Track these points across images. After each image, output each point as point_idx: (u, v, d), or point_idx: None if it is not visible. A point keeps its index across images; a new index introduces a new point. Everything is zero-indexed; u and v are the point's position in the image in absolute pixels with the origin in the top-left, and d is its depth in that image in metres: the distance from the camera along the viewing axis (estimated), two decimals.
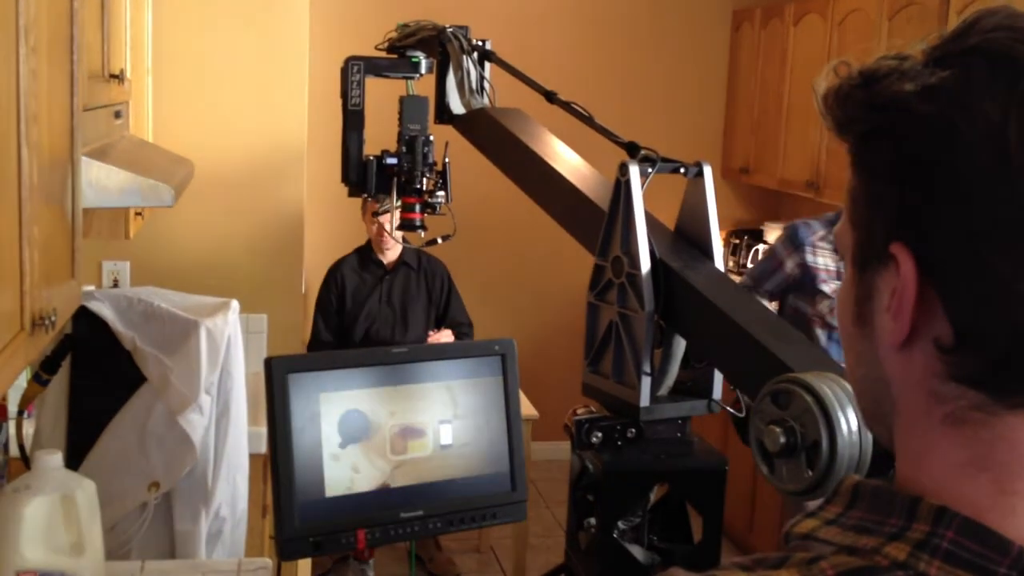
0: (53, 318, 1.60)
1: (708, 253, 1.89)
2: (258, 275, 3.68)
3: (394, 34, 2.65)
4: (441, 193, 2.51)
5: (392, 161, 2.50)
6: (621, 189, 1.82)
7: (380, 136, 2.65)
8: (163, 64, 3.39)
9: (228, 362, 2.27)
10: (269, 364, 1.85)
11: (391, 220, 2.71)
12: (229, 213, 3.66)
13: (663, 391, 1.86)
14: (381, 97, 2.77)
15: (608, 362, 1.87)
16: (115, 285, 3.55)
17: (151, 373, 2.19)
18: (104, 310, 2.20)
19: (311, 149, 3.89)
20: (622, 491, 1.81)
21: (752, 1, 5.30)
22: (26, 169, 1.49)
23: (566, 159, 2.13)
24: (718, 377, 1.86)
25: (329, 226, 4.77)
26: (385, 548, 4.10)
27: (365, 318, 4.02)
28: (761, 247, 5.11)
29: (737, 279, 4.13)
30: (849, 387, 1.33)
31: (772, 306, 3.53)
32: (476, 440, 2.01)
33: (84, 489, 1.82)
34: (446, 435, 1.98)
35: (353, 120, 2.58)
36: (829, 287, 3.24)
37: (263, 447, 2.76)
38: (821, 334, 3.27)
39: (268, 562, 2.19)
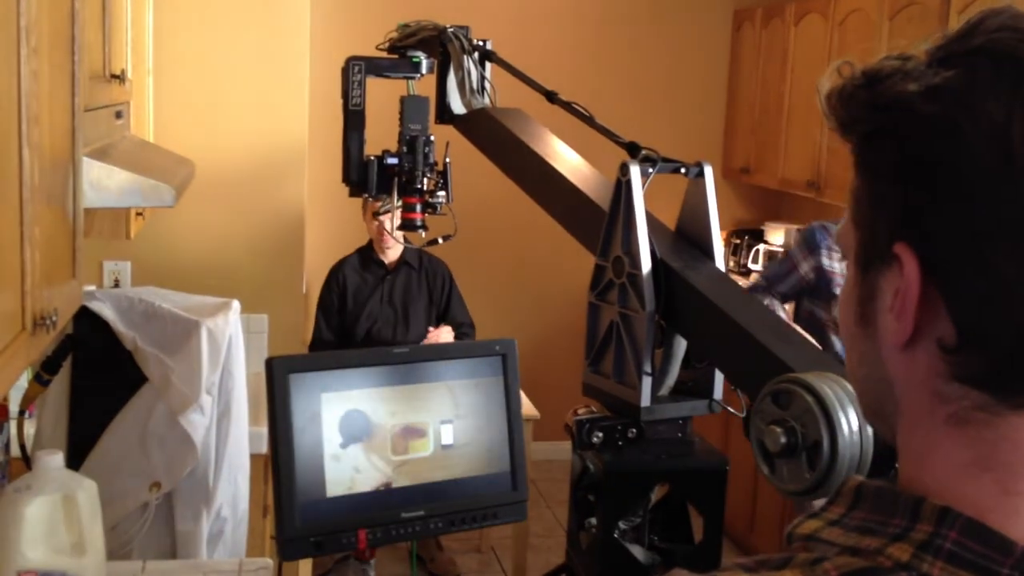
0: (54, 318, 1.60)
1: (709, 253, 1.89)
2: (259, 275, 3.68)
3: (395, 34, 2.65)
4: (442, 193, 2.52)
5: (393, 161, 2.50)
6: (622, 189, 1.82)
7: (381, 136, 2.65)
8: (164, 64, 3.39)
9: (229, 362, 2.27)
10: (270, 364, 1.85)
11: (392, 220, 2.71)
12: (230, 213, 3.66)
13: (664, 391, 1.86)
14: (382, 97, 2.77)
15: (609, 362, 1.87)
16: (116, 285, 3.55)
17: (152, 373, 2.19)
18: (105, 310, 2.20)
19: (312, 149, 3.89)
20: (623, 491, 1.81)
21: (753, 1, 5.30)
22: (27, 169, 1.49)
23: (567, 159, 2.13)
24: (719, 377, 1.86)
25: (330, 226, 4.77)
26: (386, 548, 4.10)
27: (366, 318, 4.02)
28: (762, 247, 5.11)
29: (738, 279, 4.13)
30: (850, 387, 1.33)
31: (787, 308, 3.51)
32: (477, 440, 2.01)
33: (85, 489, 1.82)
34: (447, 435, 1.98)
35: (354, 120, 2.59)
36: None
37: (264, 447, 2.77)
38: (836, 340, 3.25)
39: (269, 562, 2.19)
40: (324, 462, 1.87)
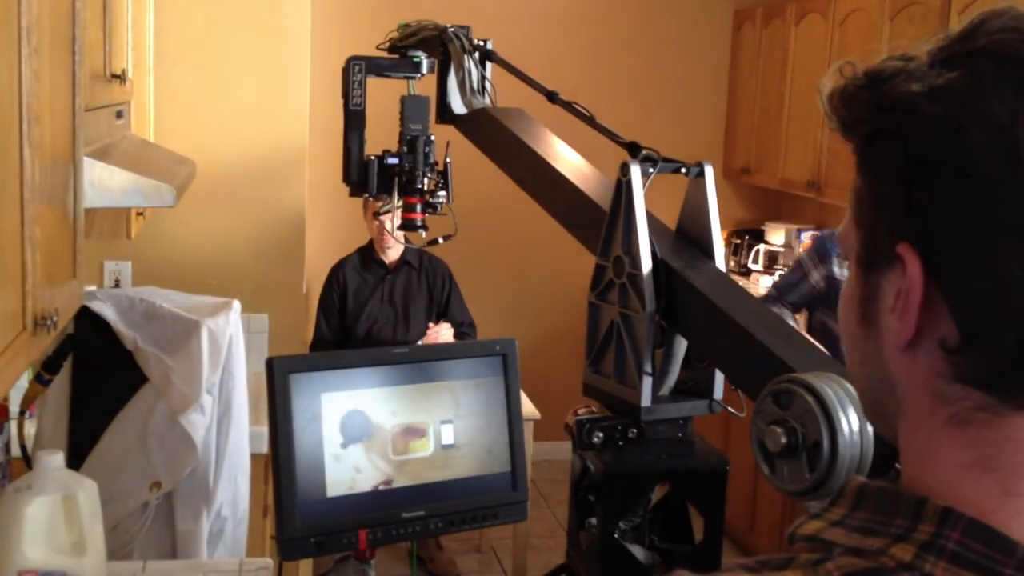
0: (55, 318, 1.60)
1: (709, 253, 1.89)
2: (259, 275, 3.68)
3: (395, 34, 2.65)
4: (442, 193, 2.51)
5: (393, 161, 2.50)
6: (622, 189, 1.82)
7: (381, 136, 2.65)
8: (165, 64, 3.39)
9: (230, 362, 2.27)
10: (271, 364, 1.85)
11: (392, 220, 2.71)
12: (231, 213, 3.66)
13: (664, 391, 1.86)
14: (382, 97, 2.77)
15: (609, 362, 1.87)
16: (117, 285, 3.55)
17: (153, 373, 2.19)
18: (106, 310, 2.20)
19: (313, 149, 3.89)
20: (623, 491, 1.81)
21: (753, 1, 5.30)
22: (28, 169, 1.49)
23: (567, 159, 2.13)
24: (719, 377, 1.85)
25: (330, 226, 4.77)
26: (386, 548, 4.10)
27: (367, 318, 4.02)
28: (762, 247, 5.11)
29: (739, 279, 4.12)
30: (850, 387, 1.33)
31: (799, 320, 3.47)
32: (477, 440, 2.01)
33: (86, 489, 1.82)
34: (447, 435, 1.98)
35: (354, 120, 2.58)
36: None
37: (265, 447, 2.77)
38: None
39: (269, 562, 2.19)
40: (324, 462, 1.87)
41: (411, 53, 2.60)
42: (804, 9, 4.65)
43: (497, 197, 3.56)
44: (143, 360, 2.19)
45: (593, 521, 1.82)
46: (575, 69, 5.00)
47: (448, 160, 2.52)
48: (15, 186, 1.46)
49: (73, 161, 1.83)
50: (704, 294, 1.72)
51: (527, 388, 3.43)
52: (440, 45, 2.47)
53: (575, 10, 5.25)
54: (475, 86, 2.42)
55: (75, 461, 2.15)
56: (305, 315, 4.14)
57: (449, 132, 2.49)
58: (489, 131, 2.31)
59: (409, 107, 2.51)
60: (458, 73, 2.43)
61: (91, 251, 2.93)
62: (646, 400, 1.79)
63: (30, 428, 2.25)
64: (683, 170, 1.90)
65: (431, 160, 2.50)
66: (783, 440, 1.37)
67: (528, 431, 3.71)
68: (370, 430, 1.92)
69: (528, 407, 3.82)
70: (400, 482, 1.94)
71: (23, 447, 2.12)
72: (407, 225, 2.53)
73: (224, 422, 2.29)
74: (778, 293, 3.42)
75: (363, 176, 2.54)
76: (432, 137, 2.51)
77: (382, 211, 3.59)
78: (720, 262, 1.89)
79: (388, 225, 3.63)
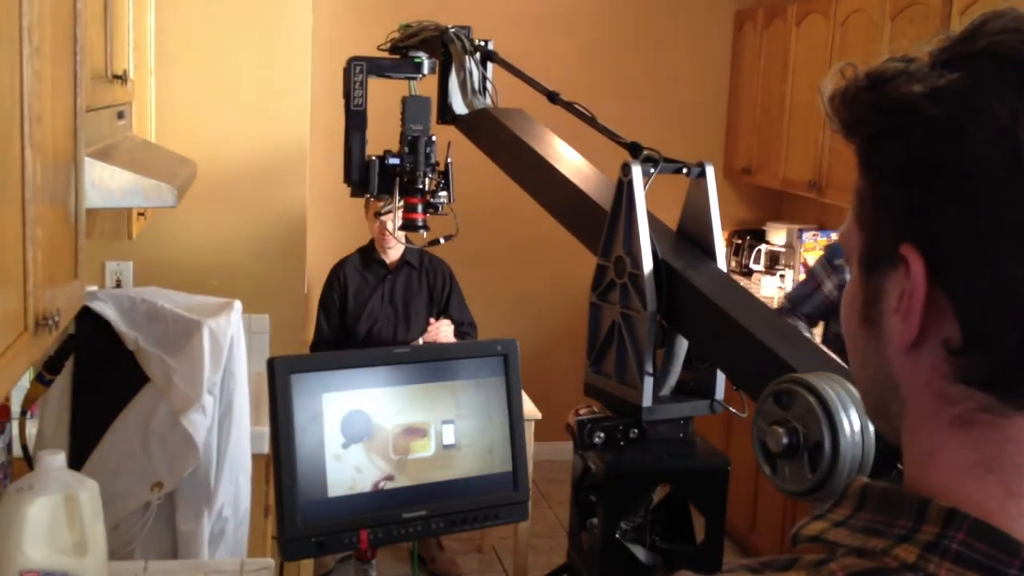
0: (56, 318, 1.60)
1: (710, 253, 1.89)
2: (260, 275, 3.68)
3: (396, 34, 2.65)
4: (443, 193, 2.52)
5: (395, 161, 2.50)
6: (623, 189, 1.82)
7: (383, 136, 2.65)
8: (166, 65, 3.39)
9: (231, 362, 2.27)
10: (272, 364, 1.85)
11: (394, 220, 2.71)
12: (232, 213, 3.66)
13: (665, 391, 1.86)
14: (384, 97, 2.77)
15: (610, 362, 1.87)
16: (118, 285, 3.55)
17: (154, 373, 2.19)
18: (107, 310, 2.20)
19: (314, 149, 3.89)
20: (624, 491, 1.81)
21: (755, 1, 5.30)
22: (29, 170, 1.49)
23: (568, 159, 2.13)
24: (720, 377, 1.85)
25: (331, 226, 4.78)
26: (387, 548, 4.10)
27: (367, 317, 4.03)
28: (763, 247, 5.11)
29: (740, 279, 4.12)
30: (852, 388, 1.33)
31: (814, 332, 3.42)
32: (478, 440, 2.01)
33: (87, 489, 1.82)
34: (449, 435, 1.98)
35: (356, 120, 2.59)
36: None
37: (266, 447, 2.77)
38: None
39: (271, 562, 2.19)
40: (326, 462, 1.87)
41: (412, 54, 2.60)
42: (805, 9, 4.65)
43: (498, 197, 3.56)
44: (144, 360, 2.19)
45: (594, 521, 1.82)
46: (576, 69, 5.00)
47: (449, 160, 2.52)
48: (16, 186, 1.46)
49: (74, 161, 1.83)
50: (705, 294, 1.72)
51: (528, 388, 3.43)
52: (441, 45, 2.47)
53: (576, 10, 5.25)
54: (476, 86, 2.42)
55: (76, 461, 2.16)
56: (306, 315, 4.14)
57: (450, 132, 2.50)
58: (490, 131, 2.32)
59: (410, 107, 2.51)
60: (459, 73, 2.43)
61: (92, 251, 2.93)
62: (647, 400, 1.79)
63: (31, 428, 2.26)
64: (684, 170, 1.90)
65: (432, 160, 2.51)
66: (784, 440, 1.37)
67: (529, 431, 3.71)
68: (371, 430, 1.92)
69: (529, 407, 3.82)
70: (401, 482, 1.94)
71: (24, 447, 2.13)
72: (408, 225, 2.53)
73: (225, 422, 2.29)
74: (791, 305, 3.36)
75: (364, 176, 2.54)
76: (433, 137, 2.51)
77: (383, 211, 3.59)
78: (721, 262, 1.89)
79: (389, 225, 3.63)
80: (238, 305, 2.36)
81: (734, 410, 1.85)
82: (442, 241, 2.65)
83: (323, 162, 4.09)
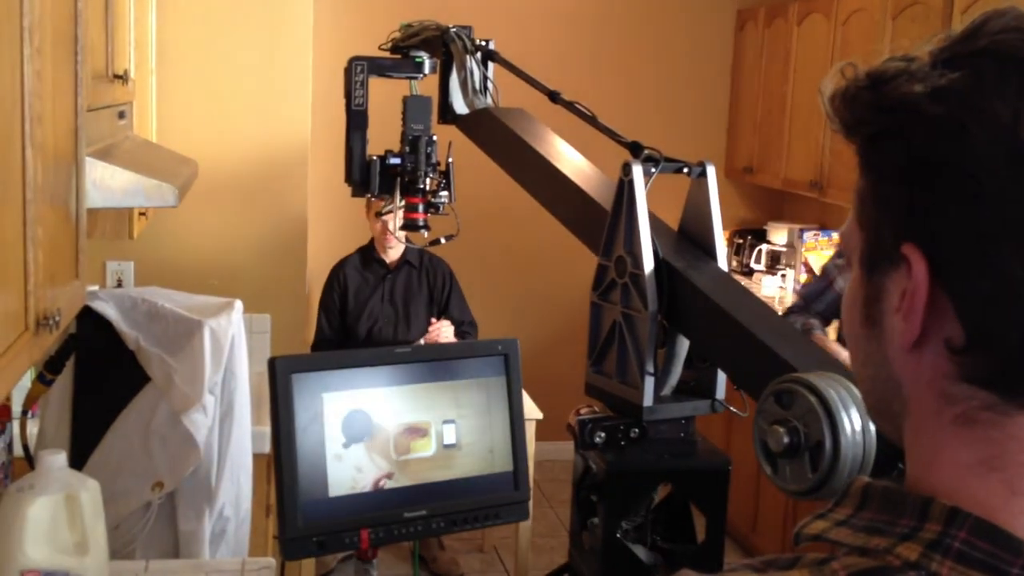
0: (57, 318, 1.60)
1: (711, 253, 1.89)
2: (261, 275, 3.68)
3: (397, 34, 2.65)
4: (444, 193, 2.52)
5: (396, 161, 2.50)
6: (624, 189, 1.82)
7: (384, 136, 2.65)
8: (167, 64, 3.39)
9: (232, 362, 2.27)
10: (273, 364, 1.85)
11: (394, 220, 2.72)
12: (233, 213, 3.67)
13: (666, 391, 1.86)
14: (384, 97, 2.77)
15: (611, 362, 1.87)
16: (119, 285, 3.55)
17: (155, 373, 2.19)
18: (108, 310, 2.20)
19: (315, 149, 3.89)
20: (625, 491, 1.81)
21: (756, 1, 5.30)
22: (30, 170, 1.49)
23: (569, 159, 2.13)
24: (721, 377, 1.85)
25: (332, 226, 4.78)
26: (388, 548, 4.10)
27: (367, 317, 4.03)
28: (764, 247, 5.11)
29: (740, 279, 4.12)
30: (853, 387, 1.33)
31: (828, 332, 3.40)
32: (479, 440, 2.01)
33: (88, 489, 1.82)
34: (449, 435, 1.98)
35: (357, 120, 2.59)
36: None
37: (267, 447, 2.77)
38: None
39: (272, 562, 2.19)
40: (326, 462, 1.87)
41: (413, 53, 2.60)
42: (806, 9, 4.65)
43: (499, 197, 3.56)
44: (145, 360, 2.19)
45: (595, 521, 1.83)
46: (577, 69, 5.00)
47: (450, 160, 2.52)
48: (17, 186, 1.46)
49: (75, 161, 1.83)
50: (706, 294, 1.72)
51: (529, 388, 3.43)
52: (442, 45, 2.47)
53: (577, 10, 5.25)
54: (477, 86, 2.42)
55: (77, 461, 2.16)
56: (307, 315, 4.14)
57: (451, 132, 2.50)
58: (491, 131, 2.32)
59: (411, 107, 2.51)
60: (460, 73, 2.43)
61: (93, 251, 2.93)
62: (648, 400, 1.79)
63: (32, 428, 2.26)
64: (685, 170, 1.90)
65: (433, 160, 2.51)
66: (785, 440, 1.37)
67: (530, 431, 3.71)
68: (372, 430, 1.92)
69: (530, 407, 3.82)
70: (402, 482, 1.94)
71: (25, 447, 2.13)
72: (409, 225, 2.53)
73: (226, 422, 2.29)
74: (804, 303, 3.35)
75: (365, 176, 2.54)
76: (434, 137, 2.51)
77: (384, 211, 3.59)
78: (722, 262, 1.89)
79: (391, 225, 3.62)
80: (239, 305, 2.36)
81: (735, 410, 1.85)
82: (443, 241, 2.65)
83: (324, 162, 4.09)
